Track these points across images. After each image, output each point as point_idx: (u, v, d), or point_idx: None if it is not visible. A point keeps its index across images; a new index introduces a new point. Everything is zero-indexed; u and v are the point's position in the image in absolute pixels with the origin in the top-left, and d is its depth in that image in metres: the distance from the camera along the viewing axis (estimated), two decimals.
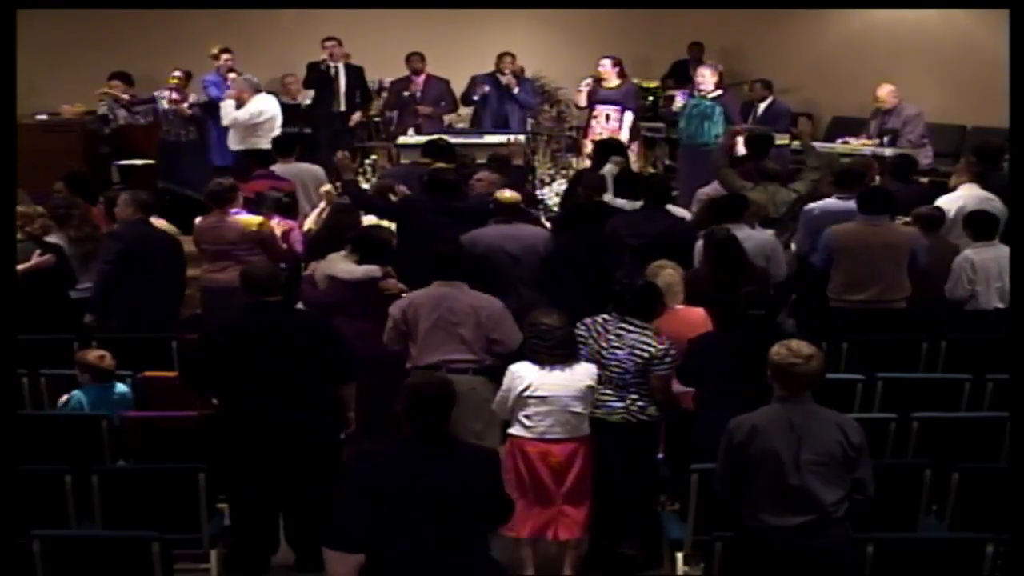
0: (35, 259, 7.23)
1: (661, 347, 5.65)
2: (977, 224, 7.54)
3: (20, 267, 7.09)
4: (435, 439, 4.17)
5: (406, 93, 12.07)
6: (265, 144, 10.44)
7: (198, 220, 8.11)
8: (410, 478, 4.08)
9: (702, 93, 10.82)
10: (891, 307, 7.33)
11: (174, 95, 11.53)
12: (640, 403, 5.65)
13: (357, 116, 12.29)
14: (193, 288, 8.02)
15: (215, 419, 5.62)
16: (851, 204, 7.84)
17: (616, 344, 5.67)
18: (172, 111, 11.52)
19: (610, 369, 5.64)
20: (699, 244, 7.24)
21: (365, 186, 9.92)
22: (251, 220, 7.84)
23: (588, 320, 5.79)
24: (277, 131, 10.61)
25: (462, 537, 4.13)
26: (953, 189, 8.50)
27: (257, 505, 5.54)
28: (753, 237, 7.31)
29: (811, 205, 8.10)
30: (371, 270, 6.66)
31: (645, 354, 5.62)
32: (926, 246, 7.46)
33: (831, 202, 8.06)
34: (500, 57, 11.96)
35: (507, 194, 7.57)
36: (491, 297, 6.23)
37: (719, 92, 10.81)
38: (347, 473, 4.32)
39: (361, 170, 10.71)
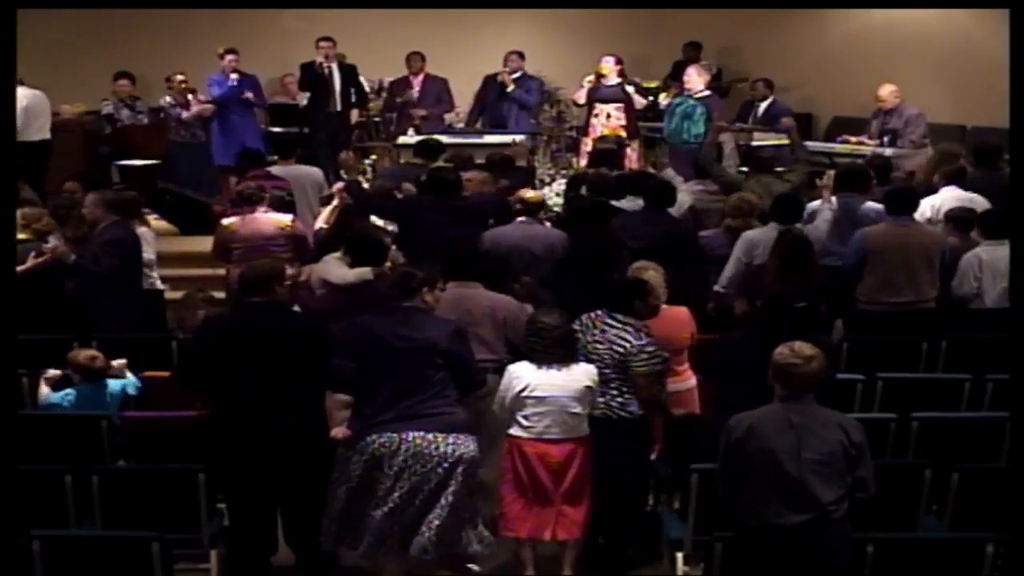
0: (31, 261, 7.19)
1: (637, 343, 5.60)
2: (987, 222, 7.50)
3: (20, 268, 7.10)
4: (404, 309, 5.34)
5: (399, 99, 12.09)
6: (35, 136, 10.48)
7: (226, 220, 8.10)
8: (383, 336, 5.27)
9: (689, 93, 10.86)
10: (925, 307, 7.29)
11: (170, 99, 11.51)
12: (619, 399, 5.61)
13: (355, 114, 12.30)
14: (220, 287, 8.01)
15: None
16: (850, 203, 7.85)
17: (599, 339, 5.67)
18: (176, 116, 11.48)
19: (594, 364, 5.62)
20: (754, 238, 7.15)
21: (365, 186, 9.92)
22: (283, 218, 7.95)
23: (584, 316, 5.80)
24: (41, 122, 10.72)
25: (428, 385, 5.22)
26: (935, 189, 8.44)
27: (254, 506, 5.52)
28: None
29: (808, 204, 8.09)
30: (363, 273, 6.53)
31: (621, 349, 5.60)
32: (952, 246, 7.42)
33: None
34: (507, 56, 11.98)
35: (531, 194, 7.59)
36: (507, 297, 6.25)
37: (707, 93, 10.84)
38: (341, 333, 5.42)
39: (361, 170, 10.70)
